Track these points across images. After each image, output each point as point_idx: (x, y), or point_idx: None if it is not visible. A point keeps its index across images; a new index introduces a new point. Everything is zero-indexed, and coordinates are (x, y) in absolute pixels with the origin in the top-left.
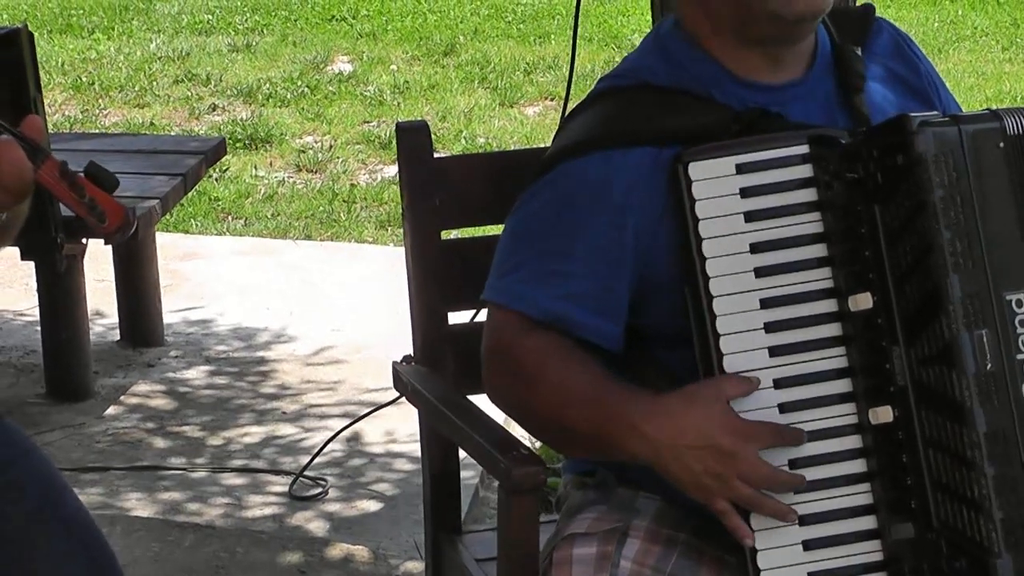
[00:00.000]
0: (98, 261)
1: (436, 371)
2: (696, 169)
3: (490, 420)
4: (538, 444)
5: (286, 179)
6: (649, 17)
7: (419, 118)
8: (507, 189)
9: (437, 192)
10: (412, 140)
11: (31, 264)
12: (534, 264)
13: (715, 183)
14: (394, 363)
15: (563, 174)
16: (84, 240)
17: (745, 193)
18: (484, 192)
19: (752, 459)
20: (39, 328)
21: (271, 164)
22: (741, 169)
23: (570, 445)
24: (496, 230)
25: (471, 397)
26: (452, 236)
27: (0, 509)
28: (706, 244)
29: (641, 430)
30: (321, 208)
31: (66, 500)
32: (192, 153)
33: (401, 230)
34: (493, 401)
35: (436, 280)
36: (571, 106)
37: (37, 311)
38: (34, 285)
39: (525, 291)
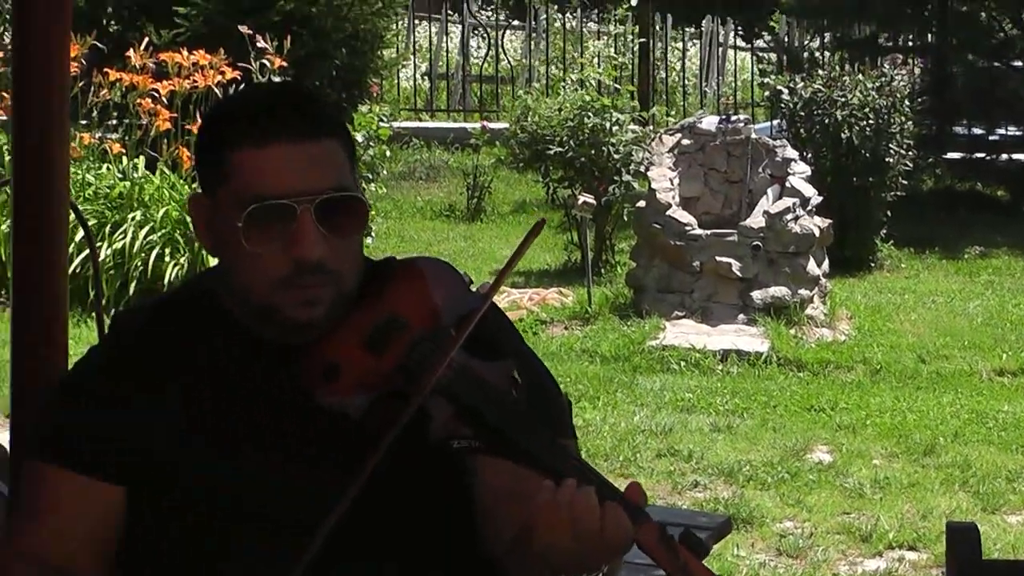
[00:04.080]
0: None
1: None
2: None
3: None
4: None
5: (767, 562)
6: None
7: (898, 515)
8: None
9: None
10: (963, 540)
11: None
12: None
13: None
14: None
15: None
16: None
17: None
18: None
19: None
20: None
21: (752, 545)
22: None
23: None
24: None
25: None
26: None
27: None
28: None
29: None
30: None
31: None
32: (701, 528)
33: None
34: None
35: None
36: None
37: None
38: None
39: None
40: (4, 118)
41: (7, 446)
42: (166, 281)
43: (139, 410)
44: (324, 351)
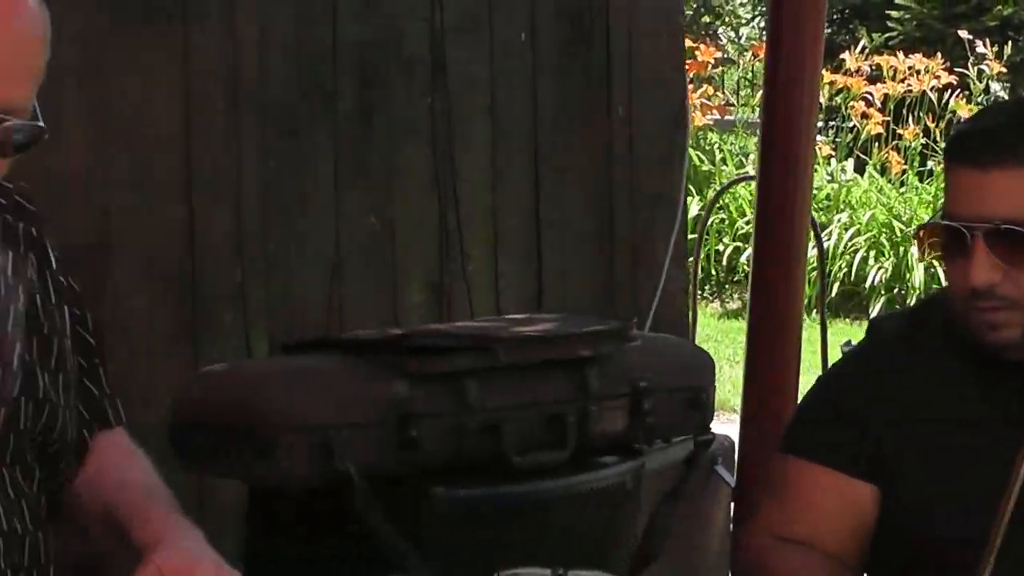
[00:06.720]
0: None
1: None
2: None
3: None
4: None
5: None
6: None
7: None
8: None
9: None
10: None
11: None
12: None
13: None
14: None
15: None
16: None
17: None
18: None
19: None
20: None
21: None
22: None
23: None
24: None
25: None
26: None
27: None
28: None
29: None
30: None
31: None
32: None
33: None
34: None
35: None
36: None
37: None
38: None
39: None
40: (718, 117)
41: (735, 439)
42: (867, 284)
43: (889, 412)
44: None
